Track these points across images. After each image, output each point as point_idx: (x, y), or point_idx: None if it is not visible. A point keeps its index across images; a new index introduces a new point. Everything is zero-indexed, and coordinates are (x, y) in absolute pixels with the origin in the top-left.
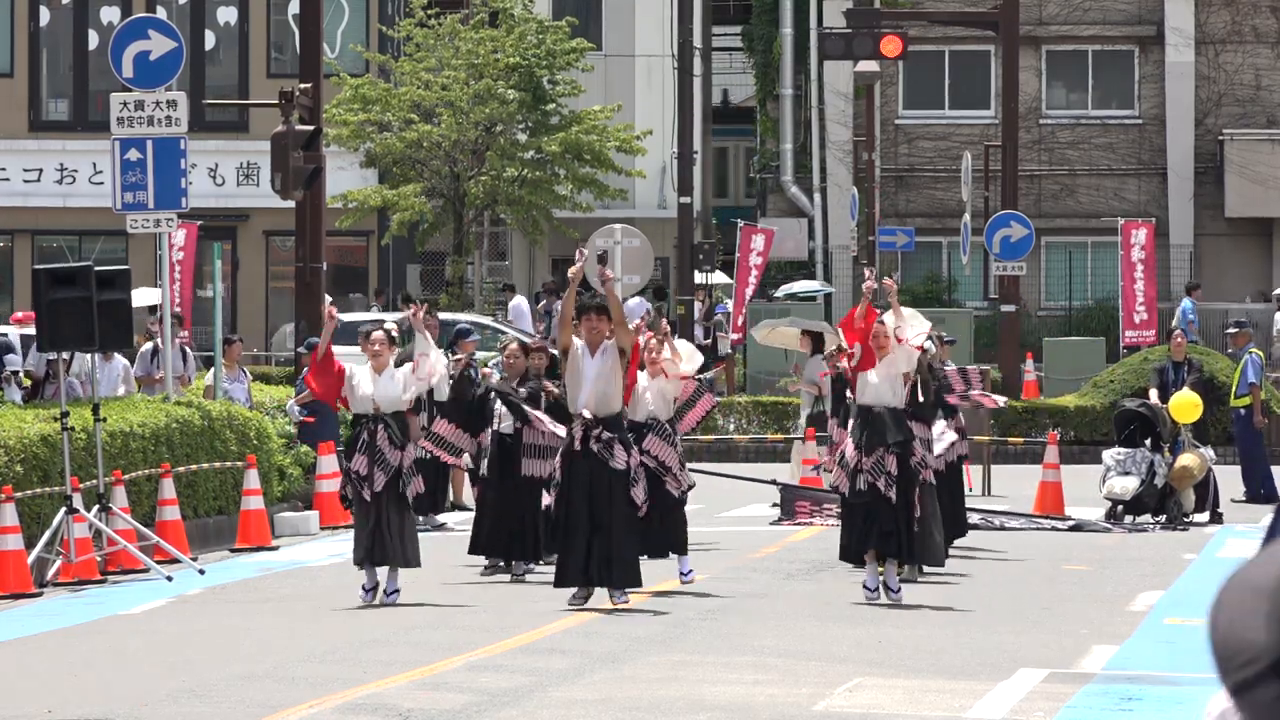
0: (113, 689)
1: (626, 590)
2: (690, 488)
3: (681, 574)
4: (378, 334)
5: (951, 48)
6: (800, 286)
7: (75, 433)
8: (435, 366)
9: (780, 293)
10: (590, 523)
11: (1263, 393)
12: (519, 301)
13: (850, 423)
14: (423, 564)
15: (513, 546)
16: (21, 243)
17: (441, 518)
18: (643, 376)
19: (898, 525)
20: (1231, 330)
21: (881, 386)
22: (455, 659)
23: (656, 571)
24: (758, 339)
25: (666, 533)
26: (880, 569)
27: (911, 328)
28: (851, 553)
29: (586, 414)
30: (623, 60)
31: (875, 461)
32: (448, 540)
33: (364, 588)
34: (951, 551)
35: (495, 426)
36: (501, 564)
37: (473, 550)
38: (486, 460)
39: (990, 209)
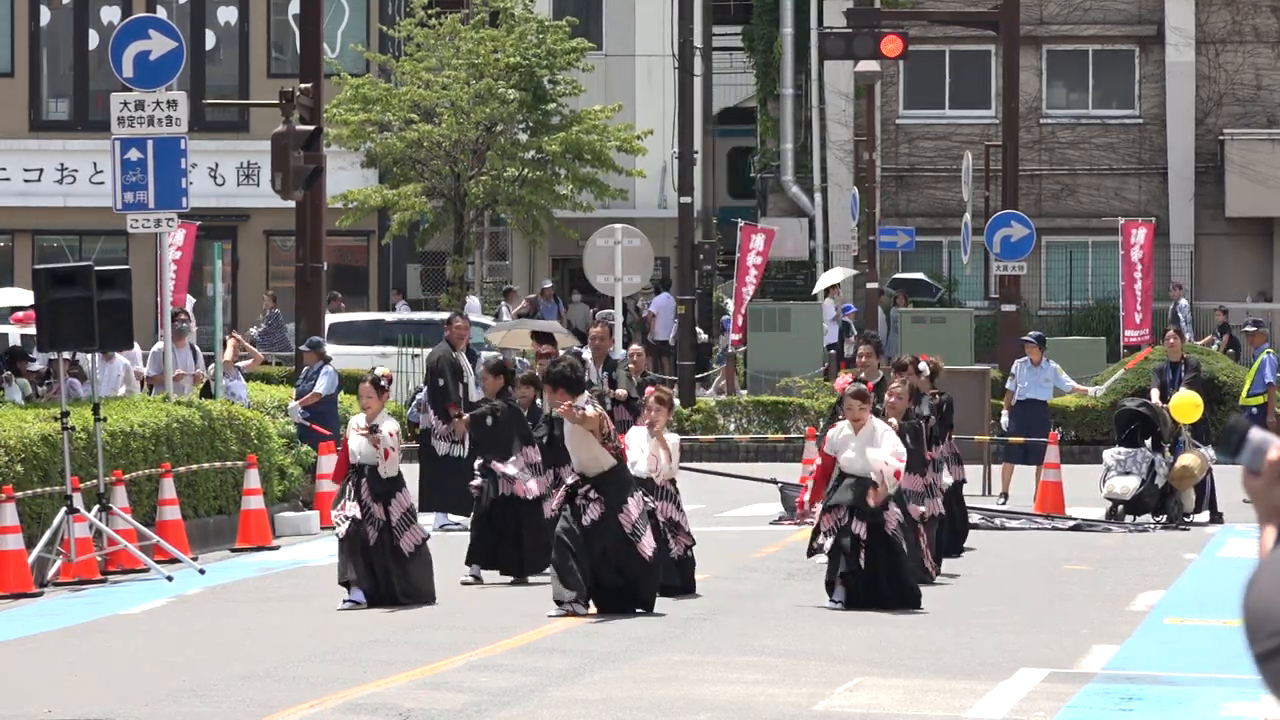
0: (113, 689)
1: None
2: (691, 545)
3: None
4: (364, 385)
5: (952, 48)
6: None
7: (75, 432)
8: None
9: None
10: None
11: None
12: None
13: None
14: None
15: (499, 554)
16: (21, 243)
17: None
18: (639, 435)
19: (877, 581)
20: (1249, 329)
21: (861, 459)
22: (455, 659)
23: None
24: (494, 342)
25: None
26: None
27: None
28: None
29: (573, 477)
30: (623, 60)
31: (840, 529)
32: (454, 540)
33: (345, 599)
34: (951, 551)
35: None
36: (481, 578)
37: (469, 560)
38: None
39: (990, 209)
